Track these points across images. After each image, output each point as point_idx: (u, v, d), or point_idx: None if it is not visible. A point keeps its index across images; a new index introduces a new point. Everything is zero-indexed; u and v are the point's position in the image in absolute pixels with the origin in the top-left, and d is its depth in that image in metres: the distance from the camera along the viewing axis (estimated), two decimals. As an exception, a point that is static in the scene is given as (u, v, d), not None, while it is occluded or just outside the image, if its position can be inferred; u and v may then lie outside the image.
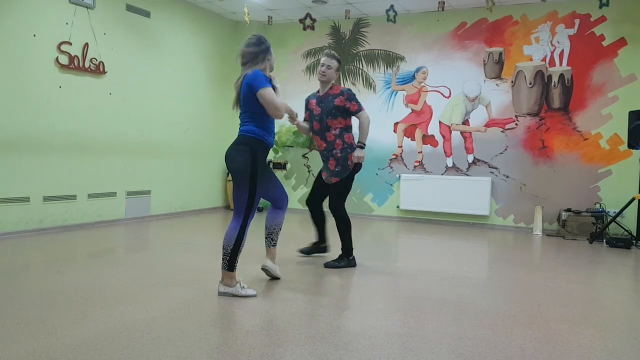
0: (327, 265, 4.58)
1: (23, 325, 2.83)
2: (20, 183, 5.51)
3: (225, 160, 3.60)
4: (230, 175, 4.41)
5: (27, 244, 5.13)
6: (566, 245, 6.16)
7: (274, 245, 4.00)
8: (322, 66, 4.49)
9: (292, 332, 2.87)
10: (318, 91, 4.63)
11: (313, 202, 4.83)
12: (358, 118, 4.50)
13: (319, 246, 4.98)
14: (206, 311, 3.22)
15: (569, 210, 6.77)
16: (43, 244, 5.19)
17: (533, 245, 6.21)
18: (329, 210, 4.67)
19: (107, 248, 5.18)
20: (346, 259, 4.62)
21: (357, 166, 4.58)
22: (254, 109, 3.56)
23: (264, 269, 3.98)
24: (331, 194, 4.62)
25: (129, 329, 2.82)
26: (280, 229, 4.01)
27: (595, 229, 6.47)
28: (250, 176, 3.47)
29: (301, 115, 4.74)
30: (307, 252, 5.00)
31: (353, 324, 3.03)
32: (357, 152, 4.51)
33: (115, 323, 2.91)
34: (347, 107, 4.47)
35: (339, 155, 4.50)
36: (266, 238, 3.99)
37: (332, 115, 4.46)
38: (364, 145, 4.54)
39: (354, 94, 4.53)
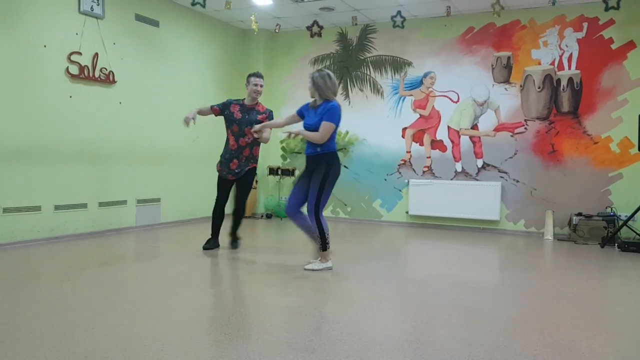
0: (233, 247, 5.57)
1: (35, 334, 2.84)
2: (31, 192, 5.56)
3: None
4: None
5: (38, 253, 5.17)
6: (577, 250, 6.11)
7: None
8: (256, 86, 5.32)
9: (301, 339, 2.86)
10: (243, 100, 5.41)
11: (222, 206, 5.52)
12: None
13: (214, 241, 5.57)
14: (216, 318, 3.22)
15: (580, 214, 6.72)
16: (54, 252, 5.23)
17: (544, 250, 6.17)
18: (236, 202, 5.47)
19: (117, 256, 5.21)
20: (238, 241, 5.66)
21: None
22: None
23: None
24: (242, 192, 5.43)
25: (140, 337, 2.83)
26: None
27: (607, 233, 6.42)
28: None
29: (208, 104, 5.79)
30: (210, 247, 5.51)
31: (363, 331, 3.02)
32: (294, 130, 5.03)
33: (126, 331, 2.92)
34: None
35: (243, 160, 5.35)
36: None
37: (252, 126, 5.21)
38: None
39: (273, 116, 5.49)
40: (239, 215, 5.52)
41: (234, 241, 5.61)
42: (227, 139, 5.42)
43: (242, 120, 5.30)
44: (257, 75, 5.36)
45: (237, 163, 5.34)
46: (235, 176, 5.37)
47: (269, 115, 5.39)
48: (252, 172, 5.44)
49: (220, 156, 5.47)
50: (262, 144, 5.49)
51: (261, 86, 5.36)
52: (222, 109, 5.42)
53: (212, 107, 5.49)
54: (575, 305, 3.70)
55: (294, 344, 2.79)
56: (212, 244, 5.51)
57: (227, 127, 5.41)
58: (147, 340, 2.78)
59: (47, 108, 5.68)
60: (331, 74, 4.57)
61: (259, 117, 5.34)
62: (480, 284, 4.31)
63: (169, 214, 7.34)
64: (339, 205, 8.36)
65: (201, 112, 5.48)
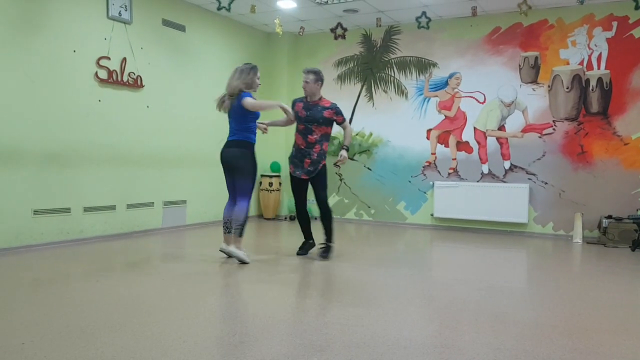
0: (322, 256, 5.18)
1: (64, 333, 2.90)
2: (61, 194, 5.68)
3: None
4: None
5: (67, 254, 5.27)
6: (607, 253, 5.98)
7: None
8: (304, 82, 5.19)
9: (325, 340, 2.86)
10: (306, 97, 5.22)
11: (303, 207, 5.34)
12: (344, 128, 5.24)
13: (310, 243, 5.44)
14: (240, 319, 3.24)
15: (610, 217, 6.57)
16: (83, 253, 5.33)
17: (573, 253, 6.06)
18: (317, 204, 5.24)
19: (144, 257, 5.28)
20: (329, 247, 5.24)
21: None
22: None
23: (222, 250, 5.01)
24: (319, 191, 5.19)
25: (167, 337, 2.87)
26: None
27: (638, 236, 6.26)
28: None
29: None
30: (304, 253, 5.38)
31: (388, 334, 3.00)
32: (343, 153, 5.17)
33: (152, 331, 2.96)
34: (335, 119, 5.17)
35: (315, 157, 5.13)
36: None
37: (319, 123, 5.10)
38: (348, 148, 5.24)
39: (341, 110, 5.23)
40: (325, 219, 5.21)
41: (326, 251, 5.23)
42: (295, 139, 5.23)
43: (307, 117, 5.11)
44: (304, 71, 5.21)
45: (309, 161, 5.13)
46: (309, 175, 5.15)
47: (336, 111, 5.13)
48: (325, 168, 5.20)
49: (289, 158, 5.31)
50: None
51: (306, 82, 5.13)
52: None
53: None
54: (604, 310, 3.62)
55: (317, 346, 2.79)
56: (306, 248, 5.37)
57: (296, 126, 5.24)
58: (173, 341, 2.82)
59: (76, 112, 5.80)
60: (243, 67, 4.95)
61: (325, 112, 5.10)
62: (507, 288, 4.24)
63: (194, 216, 7.42)
64: (362, 207, 8.34)
65: (276, 123, 5.45)
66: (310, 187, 5.27)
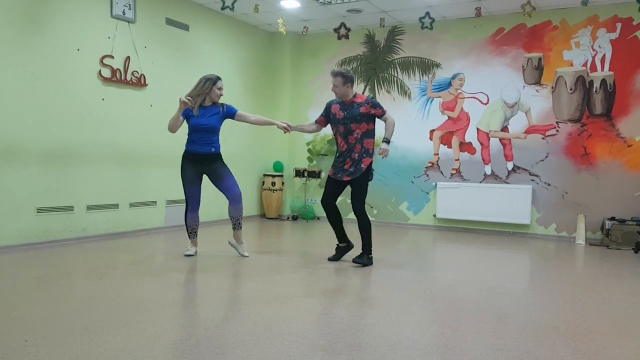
0: (354, 261, 4.95)
1: (66, 331, 2.91)
2: (64, 193, 5.69)
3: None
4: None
5: (70, 252, 5.29)
6: (610, 255, 5.97)
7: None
8: (333, 85, 4.96)
9: (327, 341, 2.86)
10: (341, 98, 4.99)
11: (329, 202, 5.08)
12: (384, 120, 4.93)
13: (342, 247, 5.18)
14: (243, 318, 3.25)
15: (613, 218, 6.56)
16: (86, 251, 5.34)
17: (576, 255, 6.05)
18: (353, 213, 4.99)
19: (147, 256, 5.29)
20: (366, 257, 4.95)
21: (370, 174, 4.98)
22: None
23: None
24: (354, 198, 4.97)
25: (169, 336, 2.87)
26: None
27: (642, 238, 6.26)
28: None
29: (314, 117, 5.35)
30: (336, 258, 5.15)
31: (390, 335, 3.00)
32: (383, 146, 4.87)
33: (155, 329, 2.97)
34: (373, 113, 4.91)
35: (356, 157, 4.89)
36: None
37: (357, 120, 4.87)
38: (389, 140, 4.93)
39: (377, 101, 5.01)
40: (361, 228, 4.96)
41: (359, 256, 4.96)
42: (337, 143, 5.04)
43: (345, 118, 4.91)
44: (331, 74, 4.94)
45: (350, 162, 4.90)
46: (351, 176, 4.90)
47: (372, 103, 4.88)
48: (367, 173, 4.93)
49: (333, 162, 5.09)
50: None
51: (335, 86, 4.91)
52: (326, 116, 5.09)
53: (316, 121, 5.24)
54: (607, 312, 3.61)
55: (319, 345, 2.79)
56: (339, 252, 5.15)
57: (335, 132, 5.02)
58: (175, 339, 2.82)
59: (80, 111, 5.81)
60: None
61: (361, 109, 4.87)
62: (510, 289, 4.24)
63: (197, 215, 7.42)
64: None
65: (304, 129, 5.40)
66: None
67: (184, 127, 5.44)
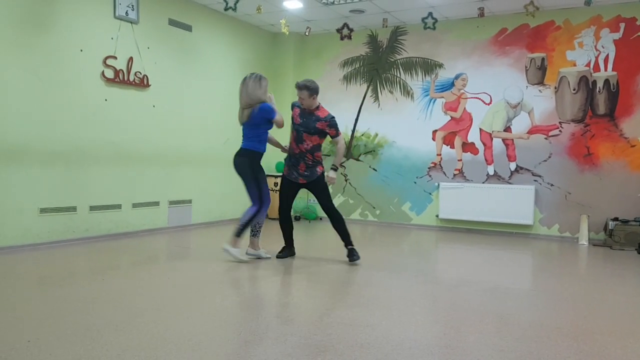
0: (351, 261, 5.01)
1: (69, 332, 2.92)
2: (67, 193, 5.71)
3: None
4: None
5: (73, 252, 5.30)
6: (613, 256, 5.96)
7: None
8: (299, 98, 5.00)
9: (330, 341, 2.86)
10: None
11: (285, 212, 5.21)
12: (335, 143, 5.06)
13: (290, 250, 5.32)
14: (245, 319, 3.25)
15: (616, 219, 6.54)
16: (89, 252, 5.35)
17: (579, 255, 6.03)
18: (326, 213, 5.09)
19: (150, 256, 5.30)
20: (353, 249, 5.06)
21: (324, 178, 5.08)
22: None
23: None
24: (320, 198, 5.06)
25: (172, 336, 2.88)
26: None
27: (645, 238, 6.24)
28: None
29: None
30: (283, 256, 5.26)
31: (392, 335, 3.00)
32: (331, 174, 5.04)
33: (158, 330, 2.97)
34: (327, 132, 4.99)
35: (310, 163, 5.01)
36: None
37: (310, 132, 4.94)
38: (337, 168, 5.05)
39: (336, 122, 5.02)
40: (337, 224, 5.07)
41: (350, 254, 5.06)
42: (290, 142, 5.13)
43: (300, 125, 4.98)
44: (296, 86, 4.97)
45: (305, 166, 5.00)
46: (306, 179, 5.01)
47: (330, 123, 4.94)
48: (323, 176, 5.07)
49: (285, 160, 5.20)
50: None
51: (301, 99, 4.95)
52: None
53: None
54: (610, 313, 3.60)
55: (321, 346, 2.79)
56: (285, 252, 5.27)
57: (291, 132, 5.11)
58: (178, 339, 2.82)
59: (83, 111, 5.82)
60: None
61: (318, 124, 4.93)
62: (512, 290, 4.23)
63: (199, 215, 7.44)
64: (367, 208, 8.33)
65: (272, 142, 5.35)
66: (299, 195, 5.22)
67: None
